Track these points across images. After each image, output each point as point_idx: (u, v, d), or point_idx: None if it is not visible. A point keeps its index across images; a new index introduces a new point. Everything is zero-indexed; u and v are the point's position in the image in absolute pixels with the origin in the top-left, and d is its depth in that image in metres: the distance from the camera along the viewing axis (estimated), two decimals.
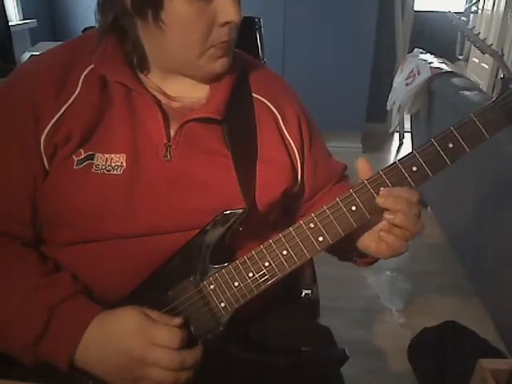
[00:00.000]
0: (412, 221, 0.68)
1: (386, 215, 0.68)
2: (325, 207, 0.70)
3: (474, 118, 0.68)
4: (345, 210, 0.69)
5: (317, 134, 0.89)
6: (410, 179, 0.68)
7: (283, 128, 0.83)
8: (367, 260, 0.82)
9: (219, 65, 0.75)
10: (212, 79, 0.79)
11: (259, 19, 1.27)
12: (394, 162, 0.69)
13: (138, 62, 0.76)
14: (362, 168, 0.71)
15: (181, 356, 0.65)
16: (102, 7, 0.74)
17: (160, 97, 0.77)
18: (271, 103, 0.83)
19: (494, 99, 0.69)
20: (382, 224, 0.71)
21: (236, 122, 0.79)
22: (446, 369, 1.57)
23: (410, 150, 0.70)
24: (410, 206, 0.67)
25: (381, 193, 0.68)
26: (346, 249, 0.79)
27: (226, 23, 0.71)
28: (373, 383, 1.64)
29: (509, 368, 0.69)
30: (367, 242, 0.74)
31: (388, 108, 3.01)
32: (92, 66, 0.75)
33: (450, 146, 0.68)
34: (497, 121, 0.68)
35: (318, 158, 0.88)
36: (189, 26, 0.70)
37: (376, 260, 0.81)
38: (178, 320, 0.68)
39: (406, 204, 0.67)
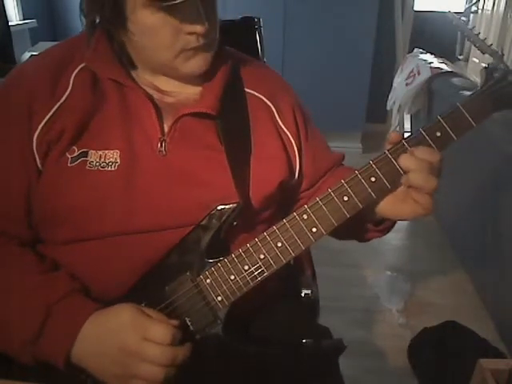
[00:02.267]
0: (423, 178, 0.67)
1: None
2: (317, 198, 0.70)
3: (461, 107, 0.69)
4: (337, 200, 0.69)
5: (312, 125, 0.90)
6: (399, 168, 0.69)
7: (279, 121, 0.84)
8: (381, 227, 0.81)
9: (195, 65, 0.74)
10: (196, 79, 0.78)
11: (259, 19, 1.27)
12: (384, 152, 0.69)
13: (126, 60, 0.77)
14: (392, 138, 0.70)
15: (173, 352, 0.65)
16: (85, 11, 0.74)
17: (152, 92, 0.77)
18: (266, 97, 0.84)
19: (478, 89, 0.71)
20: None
21: (230, 118, 0.79)
22: (446, 369, 1.57)
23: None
24: (420, 164, 0.67)
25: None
26: (360, 219, 0.77)
27: (191, 33, 0.71)
28: (373, 383, 1.64)
29: (509, 368, 0.69)
30: (388, 204, 0.73)
31: (388, 108, 3.01)
32: (83, 64, 0.75)
33: (438, 134, 0.69)
34: (482, 109, 0.70)
35: (316, 147, 0.88)
36: (154, 34, 0.70)
37: (389, 229, 0.81)
38: (174, 321, 0.68)
39: (415, 163, 0.67)
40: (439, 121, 0.69)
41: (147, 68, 0.78)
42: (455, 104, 0.69)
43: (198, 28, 0.70)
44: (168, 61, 0.73)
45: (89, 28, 0.75)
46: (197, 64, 0.74)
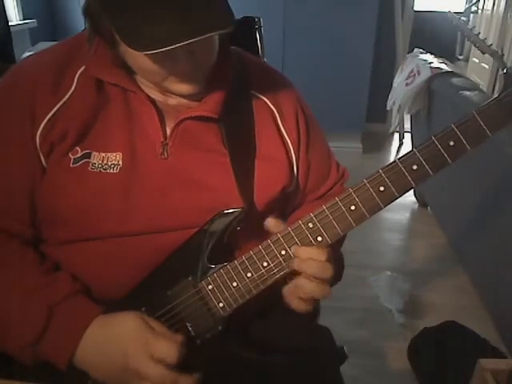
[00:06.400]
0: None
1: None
2: (324, 207, 0.69)
3: (476, 116, 0.65)
4: (344, 209, 0.68)
5: (316, 133, 0.89)
6: (409, 178, 0.67)
7: (281, 127, 0.83)
8: None
9: (184, 88, 0.71)
10: (188, 98, 0.76)
11: (259, 19, 1.26)
12: (394, 161, 0.67)
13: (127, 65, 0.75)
14: (271, 226, 0.70)
15: (174, 377, 0.65)
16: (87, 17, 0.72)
17: (156, 94, 0.76)
18: (270, 101, 0.83)
19: (496, 96, 0.67)
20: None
21: (234, 121, 0.79)
22: (446, 369, 1.57)
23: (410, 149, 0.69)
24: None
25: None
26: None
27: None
28: (373, 383, 1.64)
29: (509, 368, 0.69)
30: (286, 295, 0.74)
31: (388, 108, 3.01)
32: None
33: (451, 143, 0.66)
34: (499, 118, 0.65)
35: (313, 160, 0.87)
36: (138, 61, 0.68)
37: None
38: (179, 337, 0.67)
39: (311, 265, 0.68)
40: (453, 129, 0.66)
41: None
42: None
43: (180, 66, 0.67)
44: (157, 83, 0.72)
45: (90, 31, 0.74)
46: (185, 88, 0.71)
